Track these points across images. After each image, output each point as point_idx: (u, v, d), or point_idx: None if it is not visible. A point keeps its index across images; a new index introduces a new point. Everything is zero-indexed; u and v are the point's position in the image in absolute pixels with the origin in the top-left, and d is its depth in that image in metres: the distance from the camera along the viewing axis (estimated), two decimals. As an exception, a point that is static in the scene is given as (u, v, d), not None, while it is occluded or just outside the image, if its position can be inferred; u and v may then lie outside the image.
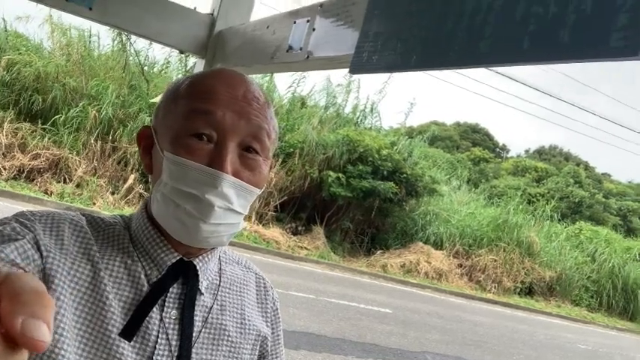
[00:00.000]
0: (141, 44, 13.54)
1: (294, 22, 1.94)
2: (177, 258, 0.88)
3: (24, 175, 11.13)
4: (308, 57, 1.83)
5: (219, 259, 1.00)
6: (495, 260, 16.50)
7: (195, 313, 0.88)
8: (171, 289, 0.87)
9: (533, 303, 16.78)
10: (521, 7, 1.09)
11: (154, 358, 0.83)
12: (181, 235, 0.84)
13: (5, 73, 11.65)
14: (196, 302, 0.89)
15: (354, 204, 14.59)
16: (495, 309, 14.64)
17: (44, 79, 11.96)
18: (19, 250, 0.74)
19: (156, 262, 0.88)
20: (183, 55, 11.84)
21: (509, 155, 49.43)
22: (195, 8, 2.67)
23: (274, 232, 13.50)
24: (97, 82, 12.37)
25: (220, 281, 0.97)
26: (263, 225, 13.61)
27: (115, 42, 13.30)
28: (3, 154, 11.27)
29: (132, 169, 12.17)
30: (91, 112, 11.88)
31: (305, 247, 13.74)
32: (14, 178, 11.00)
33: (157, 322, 0.85)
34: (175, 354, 0.84)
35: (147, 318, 0.83)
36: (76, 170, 11.62)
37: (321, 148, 14.10)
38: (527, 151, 53.99)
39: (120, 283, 0.84)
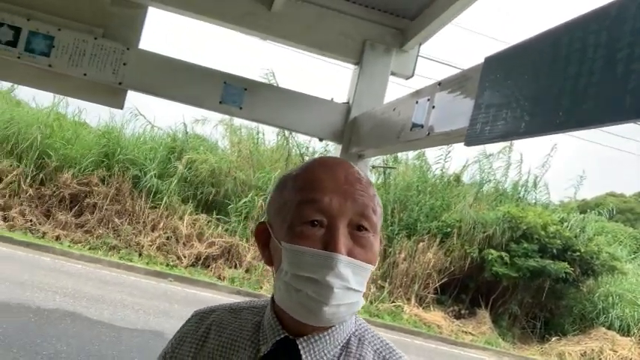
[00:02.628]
0: (302, 137, 14.51)
1: (417, 102, 2.03)
2: (283, 336, 0.96)
3: (200, 262, 12.18)
4: (429, 133, 1.89)
5: (359, 341, 1.01)
6: (698, 349, 14.20)
7: None
8: None
9: None
10: (621, 66, 1.07)
11: None
12: (307, 319, 0.91)
13: (186, 170, 13.12)
14: None
15: (521, 285, 13.68)
16: None
17: (218, 174, 13.27)
18: None
19: (266, 340, 0.97)
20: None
21: None
22: (332, 99, 2.90)
23: (435, 316, 13.05)
24: (263, 174, 13.42)
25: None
26: (423, 308, 13.25)
27: (279, 137, 14.42)
28: (183, 243, 12.51)
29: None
30: (258, 202, 12.82)
31: (470, 332, 13.04)
32: (192, 265, 12.08)
33: None
34: None
35: None
36: (245, 256, 12.46)
37: (480, 226, 13.62)
38: None
39: (246, 358, 0.98)
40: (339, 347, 0.97)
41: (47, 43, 2.44)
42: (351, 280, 0.87)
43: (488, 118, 1.50)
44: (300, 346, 0.94)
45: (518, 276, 13.16)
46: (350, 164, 0.99)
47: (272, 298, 1.00)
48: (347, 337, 0.99)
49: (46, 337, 6.09)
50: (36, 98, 13.67)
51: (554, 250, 13.32)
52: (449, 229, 13.70)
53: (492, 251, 13.25)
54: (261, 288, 11.80)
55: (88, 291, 8.51)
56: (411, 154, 15.21)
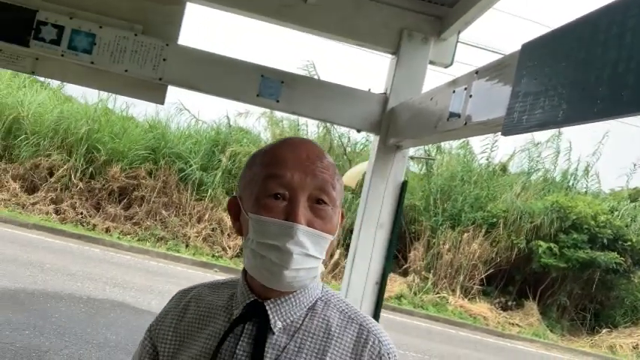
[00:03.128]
0: (343, 127, 14.47)
1: (454, 91, 1.99)
2: (252, 299, 1.05)
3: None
4: (466, 123, 1.85)
5: (325, 304, 1.09)
6: None
7: (267, 350, 1.00)
8: (248, 327, 1.03)
9: None
10: (662, 50, 1.02)
11: None
12: (270, 281, 1.00)
13: (229, 162, 13.29)
14: (268, 340, 1.01)
15: (570, 276, 13.34)
16: None
17: (260, 167, 13.37)
18: None
19: (238, 305, 1.06)
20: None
21: None
22: (369, 90, 2.88)
23: (481, 307, 12.88)
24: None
25: (302, 325, 1.05)
26: (469, 299, 13.09)
27: (320, 128, 14.43)
28: (228, 234, 12.71)
29: (338, 244, 12.76)
30: (300, 193, 12.87)
31: (517, 324, 12.81)
32: (237, 256, 12.26)
33: (230, 354, 1.01)
34: None
35: (225, 350, 1.01)
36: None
37: (527, 216, 13.32)
38: None
39: (220, 324, 1.07)
40: (305, 309, 1.06)
41: (89, 41, 2.50)
42: (310, 248, 0.97)
43: (525, 107, 1.46)
44: (267, 307, 1.03)
45: (568, 267, 12.85)
46: (314, 144, 1.08)
47: (243, 268, 1.08)
48: (313, 301, 1.08)
49: (96, 326, 6.31)
50: (85, 94, 14.09)
51: (605, 240, 12.94)
52: (495, 220, 13.46)
53: (541, 242, 12.96)
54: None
55: (137, 281, 8.76)
56: (455, 143, 14.97)
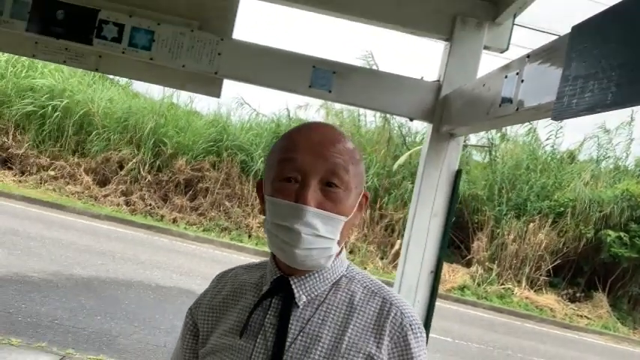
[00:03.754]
0: (402, 117, 14.32)
1: (505, 77, 1.96)
2: (278, 275, 1.10)
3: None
4: (518, 109, 1.83)
5: (349, 280, 1.13)
6: None
7: (291, 322, 1.06)
8: (275, 301, 1.09)
9: None
10: None
11: (253, 353, 1.05)
12: (285, 259, 1.06)
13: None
14: (293, 313, 1.07)
15: (642, 267, 12.76)
16: None
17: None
18: None
19: (266, 281, 1.12)
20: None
21: None
22: (422, 77, 2.85)
23: (548, 299, 12.52)
24: (364, 156, 13.45)
25: (326, 298, 1.09)
26: (535, 291, 12.75)
27: (379, 118, 14.36)
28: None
29: (398, 235, 12.70)
30: (360, 183, 12.88)
31: (585, 316, 12.39)
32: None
33: (259, 326, 1.08)
34: (269, 353, 1.04)
35: (254, 322, 1.08)
36: (349, 238, 12.61)
37: (596, 205, 12.81)
38: None
39: (250, 299, 1.13)
40: (329, 285, 1.10)
41: (148, 38, 2.61)
42: (320, 229, 1.01)
43: (575, 91, 1.42)
44: (292, 283, 1.08)
45: (639, 257, 12.27)
46: (332, 128, 1.11)
47: None
48: (338, 277, 1.12)
49: (164, 312, 6.58)
50: (150, 90, 14.61)
51: (680, 229, 12.29)
52: (562, 209, 13.02)
53: (610, 232, 12.44)
54: (365, 269, 11.91)
55: (202, 270, 9.05)
56: (522, 130, 14.54)
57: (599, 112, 1.32)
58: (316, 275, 1.09)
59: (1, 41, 2.88)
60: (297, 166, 1.03)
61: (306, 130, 1.09)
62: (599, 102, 1.31)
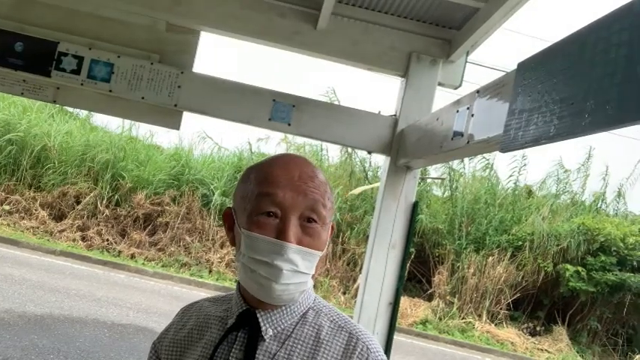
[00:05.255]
0: (365, 152, 14.48)
1: (457, 112, 2.03)
2: (244, 308, 1.09)
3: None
4: (469, 142, 1.88)
5: (316, 313, 1.13)
6: None
7: (257, 357, 1.05)
8: (241, 335, 1.08)
9: None
10: (642, 63, 1.05)
11: None
12: (260, 294, 1.04)
13: (252, 188, 13.38)
14: (259, 348, 1.05)
15: (600, 300, 13.01)
16: None
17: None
18: None
19: (232, 314, 1.11)
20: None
21: None
22: (379, 112, 2.92)
23: (509, 333, 12.62)
24: (326, 190, 13.46)
25: (293, 332, 1.09)
26: (496, 325, 12.84)
27: (342, 153, 14.49)
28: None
29: (360, 269, 12.68)
30: (322, 218, 12.88)
31: (546, 350, 12.51)
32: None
33: None
34: None
35: (219, 357, 1.06)
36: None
37: (553, 239, 13.11)
38: None
39: (215, 333, 1.12)
40: (296, 318, 1.10)
41: (107, 70, 2.61)
42: (300, 265, 1.01)
43: (521, 124, 1.48)
44: (258, 316, 1.07)
45: (597, 291, 12.55)
46: (306, 162, 1.11)
47: (238, 281, 1.13)
48: (304, 310, 1.12)
49: (119, 351, 6.37)
50: (109, 123, 14.43)
51: (635, 263, 12.62)
52: (520, 243, 13.25)
53: (568, 266, 12.70)
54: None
55: (161, 306, 8.83)
56: (479, 165, 14.87)
57: (543, 144, 1.38)
58: (283, 308, 1.09)
59: (-46, 71, 2.83)
60: (277, 202, 1.02)
61: (285, 164, 1.08)
62: (542, 134, 1.36)
